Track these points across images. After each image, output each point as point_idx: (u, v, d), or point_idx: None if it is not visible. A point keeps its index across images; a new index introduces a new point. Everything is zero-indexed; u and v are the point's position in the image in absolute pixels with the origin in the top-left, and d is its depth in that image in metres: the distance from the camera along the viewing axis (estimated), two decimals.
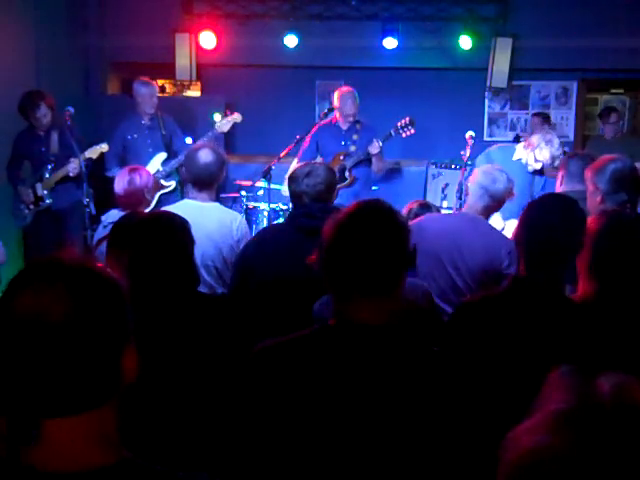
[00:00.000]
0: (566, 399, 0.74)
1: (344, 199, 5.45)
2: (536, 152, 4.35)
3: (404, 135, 5.56)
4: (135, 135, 5.74)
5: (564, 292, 2.06)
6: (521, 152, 4.52)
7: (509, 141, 7.08)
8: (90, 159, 5.09)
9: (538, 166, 4.39)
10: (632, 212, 3.00)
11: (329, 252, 1.57)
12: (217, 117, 5.49)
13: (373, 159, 5.52)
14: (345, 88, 5.60)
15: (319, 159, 5.58)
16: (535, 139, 4.45)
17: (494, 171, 3.34)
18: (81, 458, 1.06)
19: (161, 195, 5.42)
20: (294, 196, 3.04)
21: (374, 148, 5.41)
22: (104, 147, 5.19)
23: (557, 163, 4.30)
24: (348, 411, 1.47)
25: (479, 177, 3.30)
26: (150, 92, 5.70)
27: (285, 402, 1.51)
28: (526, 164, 4.48)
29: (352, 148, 5.55)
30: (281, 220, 5.27)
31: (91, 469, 1.05)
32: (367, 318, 1.53)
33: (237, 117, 5.58)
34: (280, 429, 1.51)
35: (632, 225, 2.19)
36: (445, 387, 1.50)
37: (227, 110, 5.71)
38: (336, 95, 5.58)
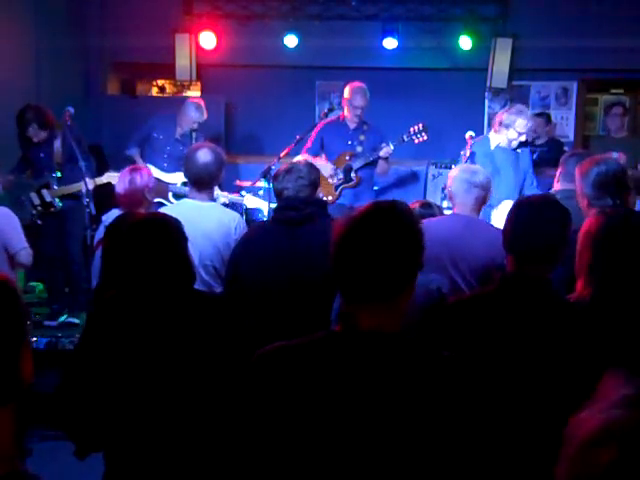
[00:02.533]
0: (629, 389, 0.81)
1: (346, 199, 5.46)
2: (515, 128, 4.58)
3: (417, 141, 5.50)
4: (161, 136, 5.82)
5: (552, 289, 2.06)
6: (496, 138, 4.74)
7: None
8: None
9: (523, 138, 4.65)
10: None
11: (338, 250, 1.51)
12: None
13: (380, 161, 5.49)
14: (357, 83, 5.55)
15: (323, 156, 5.57)
16: (505, 119, 4.66)
17: (469, 166, 3.40)
18: None
19: (160, 202, 5.43)
20: (277, 193, 3.08)
21: (386, 152, 5.37)
22: (112, 176, 5.09)
23: (531, 125, 4.74)
24: (353, 424, 1.42)
25: (458, 174, 3.32)
26: (197, 119, 5.75)
27: (287, 412, 1.46)
28: (507, 146, 4.67)
29: (358, 149, 5.50)
30: None
31: None
32: (374, 324, 1.47)
33: None
34: (282, 440, 1.47)
35: (631, 225, 2.20)
36: (455, 395, 1.45)
37: None
38: (347, 89, 5.52)
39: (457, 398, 1.45)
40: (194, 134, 5.82)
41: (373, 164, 5.53)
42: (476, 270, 3.06)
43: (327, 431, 1.44)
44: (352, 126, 5.55)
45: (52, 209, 5.24)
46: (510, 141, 4.67)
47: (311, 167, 3.10)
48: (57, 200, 5.21)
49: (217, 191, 4.98)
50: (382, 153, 5.38)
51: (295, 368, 1.50)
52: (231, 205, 5.75)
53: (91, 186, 4.77)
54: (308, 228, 2.92)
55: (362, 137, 5.54)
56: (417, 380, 1.46)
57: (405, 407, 1.43)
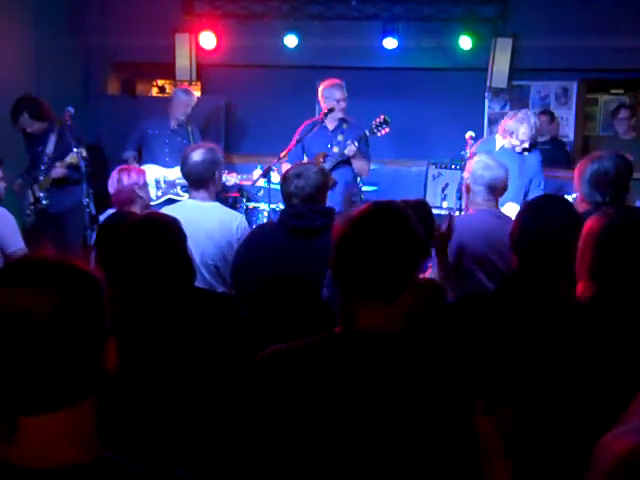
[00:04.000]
0: None
1: (329, 201, 5.29)
2: (518, 136, 4.63)
3: (379, 134, 5.20)
4: (156, 132, 5.88)
5: (558, 290, 2.06)
6: (501, 140, 4.74)
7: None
8: (72, 164, 4.94)
9: (526, 145, 4.67)
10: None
11: (338, 251, 1.52)
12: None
13: (352, 161, 5.19)
14: (332, 80, 5.28)
15: (305, 160, 5.31)
16: (509, 124, 4.69)
17: (486, 160, 3.39)
18: (56, 455, 1.05)
19: (170, 199, 5.46)
20: (285, 197, 3.08)
21: (350, 150, 5.08)
22: (73, 156, 4.89)
23: (536, 131, 4.71)
24: (353, 426, 1.42)
25: (479, 174, 3.32)
26: (188, 101, 5.84)
27: (288, 415, 1.46)
28: (512, 149, 4.70)
29: (335, 150, 5.23)
30: None
31: (66, 466, 1.04)
32: (374, 324, 1.48)
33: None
34: (283, 442, 1.47)
35: (633, 225, 2.19)
36: (456, 396, 1.45)
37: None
38: (320, 87, 5.32)
39: (458, 399, 1.45)
40: (189, 127, 5.87)
41: (348, 164, 5.22)
42: (507, 256, 3.11)
43: (327, 434, 1.44)
44: (331, 127, 5.33)
45: (38, 205, 5.17)
46: (514, 146, 4.71)
47: (320, 171, 3.09)
48: (43, 196, 5.16)
49: (226, 175, 4.97)
50: (347, 151, 5.09)
51: (295, 371, 1.50)
52: (232, 203, 5.77)
53: (60, 171, 4.98)
54: (317, 238, 2.91)
55: (340, 137, 5.28)
56: (418, 381, 1.45)
57: (405, 409, 1.43)
